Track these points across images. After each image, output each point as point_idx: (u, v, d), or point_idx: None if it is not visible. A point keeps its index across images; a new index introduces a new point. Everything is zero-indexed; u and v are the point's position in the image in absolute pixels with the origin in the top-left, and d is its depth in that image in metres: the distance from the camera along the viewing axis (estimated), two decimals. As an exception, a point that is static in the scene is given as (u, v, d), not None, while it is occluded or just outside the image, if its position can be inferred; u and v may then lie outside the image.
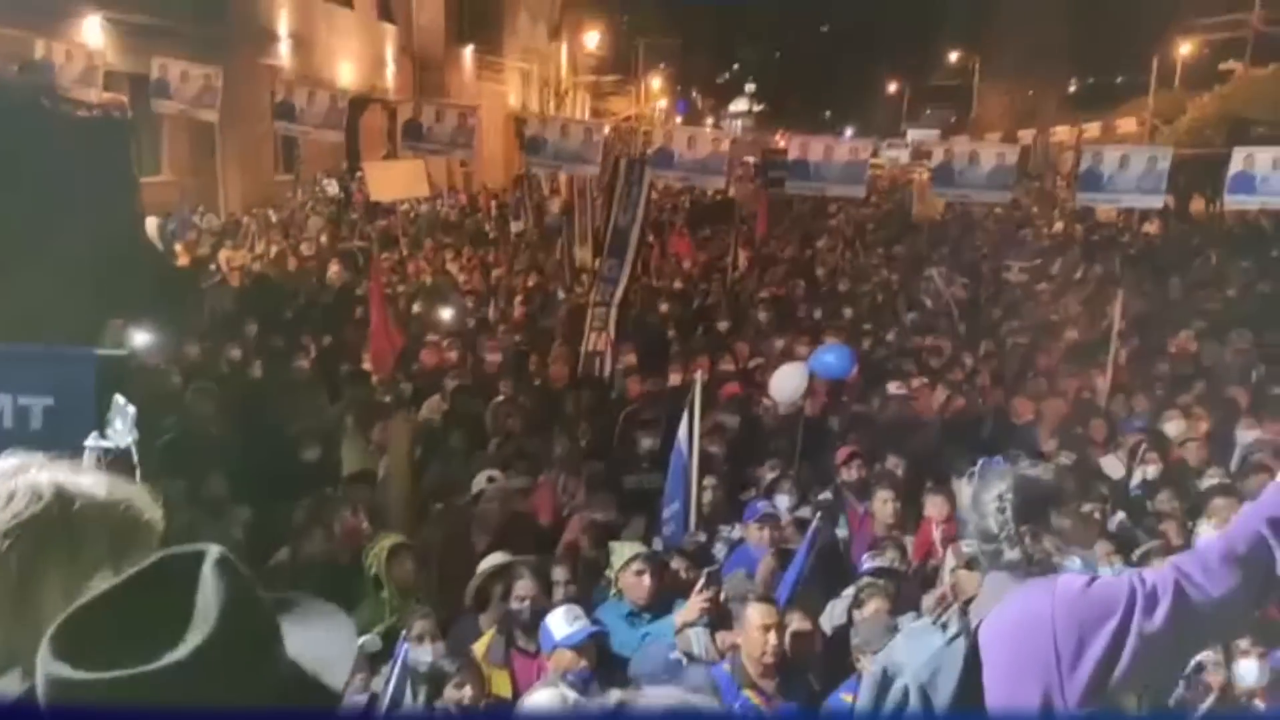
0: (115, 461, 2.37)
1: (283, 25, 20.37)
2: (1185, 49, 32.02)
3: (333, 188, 19.33)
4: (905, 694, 2.16)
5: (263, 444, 6.28)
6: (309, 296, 10.83)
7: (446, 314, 9.80)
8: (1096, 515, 5.02)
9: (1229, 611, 2.01)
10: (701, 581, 4.18)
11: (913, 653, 2.23)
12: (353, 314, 9.68)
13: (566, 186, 17.56)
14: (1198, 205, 22.87)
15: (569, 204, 15.33)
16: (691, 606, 4.15)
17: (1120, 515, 5.30)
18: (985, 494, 2.26)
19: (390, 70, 25.56)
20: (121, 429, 2.47)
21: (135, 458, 2.42)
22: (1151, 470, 6.03)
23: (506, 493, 5.25)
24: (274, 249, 13.39)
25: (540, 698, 3.26)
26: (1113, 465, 6.32)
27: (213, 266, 12.09)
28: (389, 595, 4.44)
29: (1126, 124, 30.35)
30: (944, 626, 2.22)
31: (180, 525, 4.91)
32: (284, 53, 20.28)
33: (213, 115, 13.41)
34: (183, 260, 11.96)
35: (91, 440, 2.40)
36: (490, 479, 5.23)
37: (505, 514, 5.14)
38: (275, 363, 8.07)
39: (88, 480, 1.23)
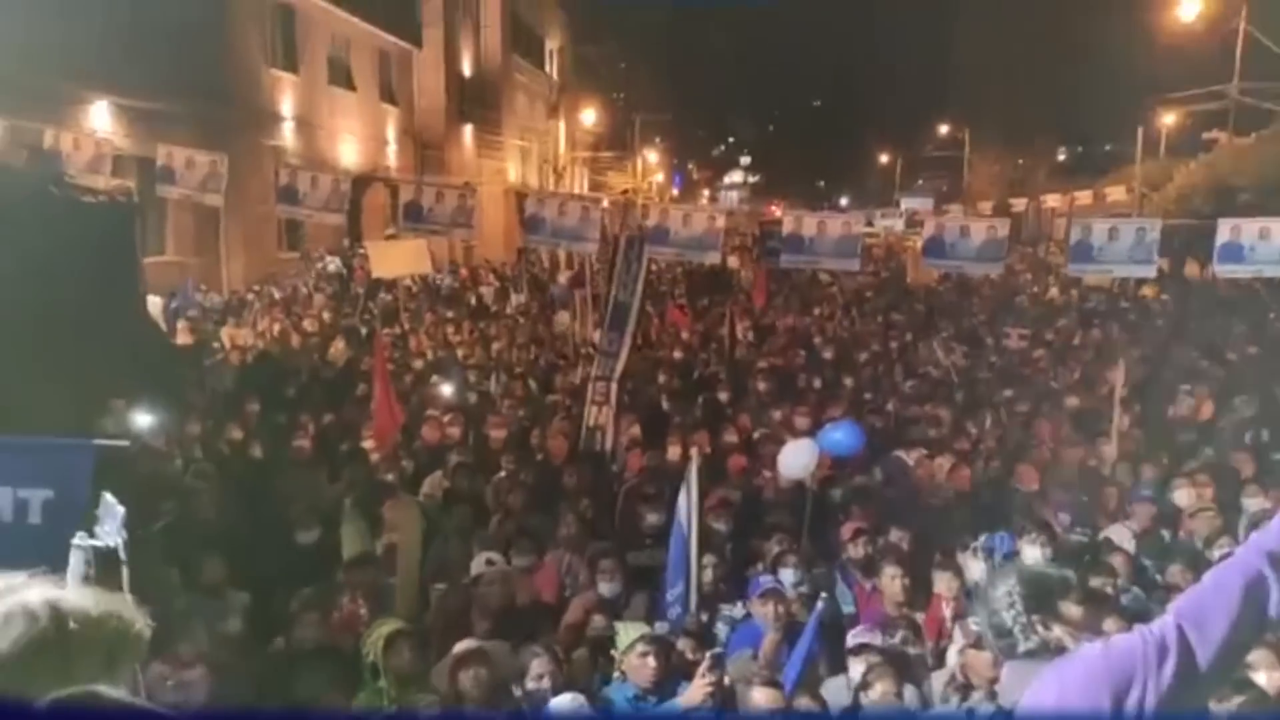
0: (103, 560, 2.34)
1: (287, 108, 20.88)
2: (1169, 119, 32.77)
3: (334, 265, 19.55)
4: None
5: (261, 526, 6.21)
6: (311, 373, 10.85)
7: (448, 389, 9.79)
8: (1108, 589, 4.94)
9: (1228, 646, 1.97)
10: (706, 664, 4.10)
11: None
12: (355, 390, 9.68)
13: (575, 260, 17.73)
14: (1192, 269, 23.08)
15: (579, 278, 15.43)
16: (695, 690, 4.06)
17: (1135, 590, 5.21)
18: (994, 590, 2.30)
19: (392, 149, 26.11)
20: (110, 529, 2.45)
21: (123, 557, 2.39)
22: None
23: (506, 575, 5.17)
24: (276, 326, 13.47)
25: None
26: (1121, 535, 6.24)
27: (215, 344, 12.14)
28: (386, 684, 4.34)
29: (1116, 192, 30.88)
30: (970, 712, 2.20)
31: (177, 611, 4.81)
32: (288, 134, 20.74)
33: (218, 200, 13.65)
34: (185, 339, 12.02)
35: (79, 539, 2.38)
36: (489, 561, 5.15)
37: (506, 597, 5.06)
38: (276, 442, 8.03)
39: (77, 596, 1.23)
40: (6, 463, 3.15)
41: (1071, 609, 2.22)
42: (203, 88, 16.52)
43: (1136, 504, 6.56)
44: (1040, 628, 2.20)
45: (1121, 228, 10.51)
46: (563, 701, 3.88)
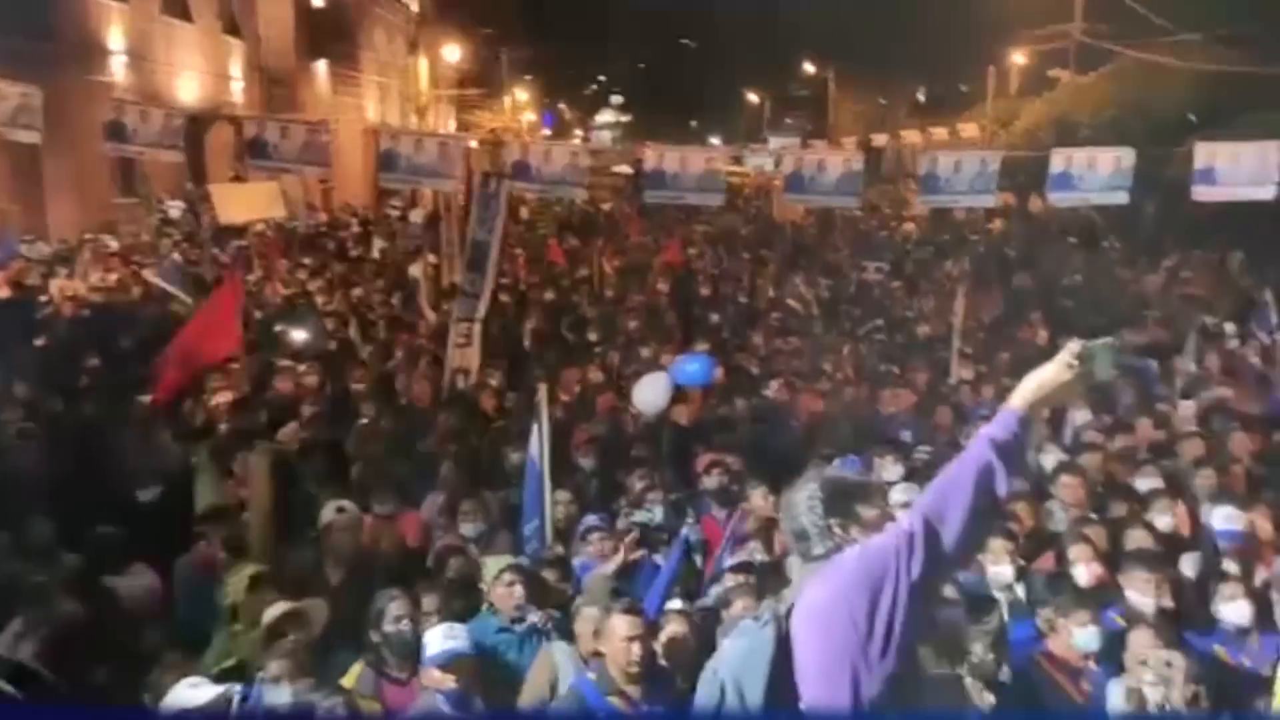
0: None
1: (115, 40, 19.19)
2: (1020, 58, 34.19)
3: (176, 210, 18.33)
4: (723, 689, 2.22)
5: (95, 486, 5.84)
6: (153, 325, 10.17)
7: (304, 336, 9.38)
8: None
9: (968, 530, 2.16)
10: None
11: (734, 650, 2.30)
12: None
13: (432, 199, 17.20)
14: (1036, 203, 24.44)
15: (434, 217, 14.98)
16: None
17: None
18: (796, 495, 2.37)
19: (238, 86, 24.48)
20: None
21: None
22: None
23: (357, 522, 5.05)
24: (113, 276, 12.54)
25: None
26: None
27: (43, 298, 11.22)
28: (242, 628, 4.19)
29: (969, 129, 32.10)
30: (758, 619, 2.29)
31: (4, 576, 4.52)
32: (118, 69, 19.11)
33: (33, 136, 12.44)
34: (4, 292, 11.06)
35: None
36: (340, 509, 5.01)
37: (356, 544, 4.95)
38: (111, 397, 7.52)
39: None
40: None
41: (869, 512, 2.32)
42: (18, 18, 14.92)
43: (977, 420, 6.95)
44: (837, 530, 2.28)
45: (965, 160, 10.97)
46: (436, 632, 3.83)
